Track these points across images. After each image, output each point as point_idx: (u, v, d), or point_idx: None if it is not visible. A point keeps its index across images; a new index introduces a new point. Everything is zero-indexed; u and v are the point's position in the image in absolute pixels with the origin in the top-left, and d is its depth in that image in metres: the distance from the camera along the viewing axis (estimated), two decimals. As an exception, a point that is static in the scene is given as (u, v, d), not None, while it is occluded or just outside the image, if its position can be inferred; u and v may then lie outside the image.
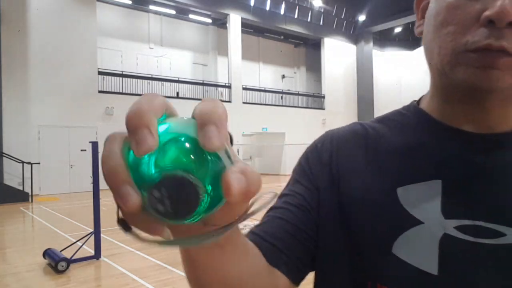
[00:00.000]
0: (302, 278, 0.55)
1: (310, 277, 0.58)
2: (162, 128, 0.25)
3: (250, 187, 0.25)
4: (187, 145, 0.25)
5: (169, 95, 16.53)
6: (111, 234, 6.30)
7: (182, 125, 0.26)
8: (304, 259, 0.55)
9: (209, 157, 0.26)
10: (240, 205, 0.28)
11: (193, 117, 0.26)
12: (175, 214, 0.24)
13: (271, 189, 0.82)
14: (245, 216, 0.28)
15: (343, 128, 0.62)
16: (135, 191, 0.24)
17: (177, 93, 16.83)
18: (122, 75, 15.48)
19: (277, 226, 0.55)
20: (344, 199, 0.54)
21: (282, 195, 0.60)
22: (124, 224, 0.26)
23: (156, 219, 0.25)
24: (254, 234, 0.55)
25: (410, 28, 25.26)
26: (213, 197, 0.26)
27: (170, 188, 0.24)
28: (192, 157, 0.25)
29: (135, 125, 0.24)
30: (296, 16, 21.41)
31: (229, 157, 0.26)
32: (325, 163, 0.58)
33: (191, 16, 18.91)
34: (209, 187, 0.25)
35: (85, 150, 13.02)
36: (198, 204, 0.24)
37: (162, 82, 16.73)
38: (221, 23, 19.50)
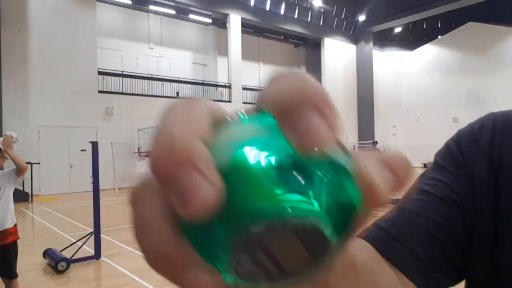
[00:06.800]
0: None
1: None
2: (218, 154, 0.14)
3: (402, 180, 0.16)
4: (273, 161, 0.14)
5: (169, 95, 16.54)
6: (111, 234, 6.29)
7: (253, 131, 0.15)
8: (449, 272, 0.40)
9: (317, 169, 0.15)
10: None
11: (265, 112, 0.15)
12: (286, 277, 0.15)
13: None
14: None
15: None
16: (207, 273, 0.14)
17: (177, 93, 16.84)
18: (122, 75, 15.48)
19: (413, 223, 0.40)
20: (503, 197, 0.40)
21: (418, 182, 0.45)
22: None
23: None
24: (376, 227, 0.41)
25: (410, 28, 25.26)
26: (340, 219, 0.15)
27: (270, 247, 0.14)
28: (292, 179, 0.14)
29: (169, 171, 0.13)
30: (296, 16, 21.42)
31: (343, 150, 0.16)
32: (484, 146, 0.43)
33: (191, 16, 18.92)
34: (331, 213, 0.15)
35: (85, 150, 12.99)
36: (328, 250, 0.15)
37: (162, 82, 16.74)
38: (221, 23, 19.50)
